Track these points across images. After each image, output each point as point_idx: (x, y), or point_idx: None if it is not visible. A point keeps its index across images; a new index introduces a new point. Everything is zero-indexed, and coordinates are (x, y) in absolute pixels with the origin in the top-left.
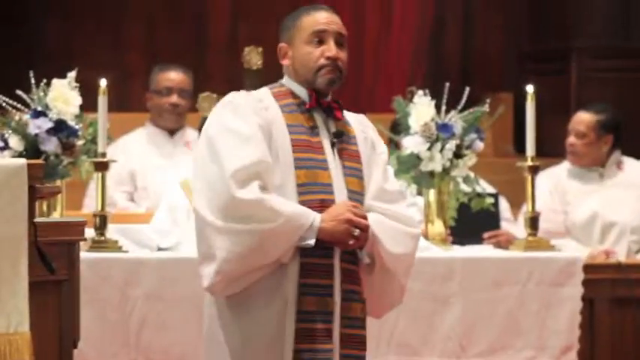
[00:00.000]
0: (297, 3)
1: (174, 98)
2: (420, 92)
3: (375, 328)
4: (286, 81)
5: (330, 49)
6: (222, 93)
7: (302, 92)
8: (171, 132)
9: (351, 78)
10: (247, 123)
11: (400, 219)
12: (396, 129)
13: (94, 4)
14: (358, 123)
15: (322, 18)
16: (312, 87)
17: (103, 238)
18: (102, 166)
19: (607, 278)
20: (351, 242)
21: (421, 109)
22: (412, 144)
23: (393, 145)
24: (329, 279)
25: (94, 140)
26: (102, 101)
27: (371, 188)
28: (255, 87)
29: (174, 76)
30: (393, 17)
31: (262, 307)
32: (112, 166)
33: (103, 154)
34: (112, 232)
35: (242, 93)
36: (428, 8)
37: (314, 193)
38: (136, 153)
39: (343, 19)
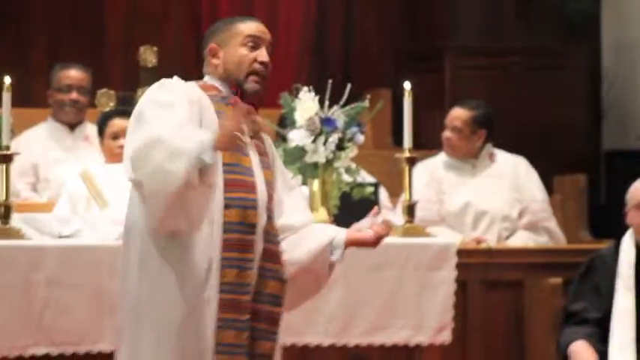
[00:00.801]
0: (192, 6)
1: (74, 95)
2: (305, 89)
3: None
4: (210, 79)
5: (263, 55)
6: (119, 90)
7: (226, 89)
8: (72, 126)
9: None
10: (175, 95)
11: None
12: (283, 123)
13: None
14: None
15: (257, 27)
16: (239, 87)
17: (7, 226)
18: (6, 159)
19: (479, 262)
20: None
21: (306, 104)
22: (298, 137)
23: (280, 139)
24: (249, 253)
25: None
26: (6, 97)
27: (279, 180)
28: (150, 84)
29: (73, 74)
30: (280, 17)
31: (190, 279)
32: (16, 159)
33: (7, 147)
34: (16, 220)
35: (173, 79)
36: (310, 8)
37: (237, 173)
38: (38, 146)
39: (233, 13)
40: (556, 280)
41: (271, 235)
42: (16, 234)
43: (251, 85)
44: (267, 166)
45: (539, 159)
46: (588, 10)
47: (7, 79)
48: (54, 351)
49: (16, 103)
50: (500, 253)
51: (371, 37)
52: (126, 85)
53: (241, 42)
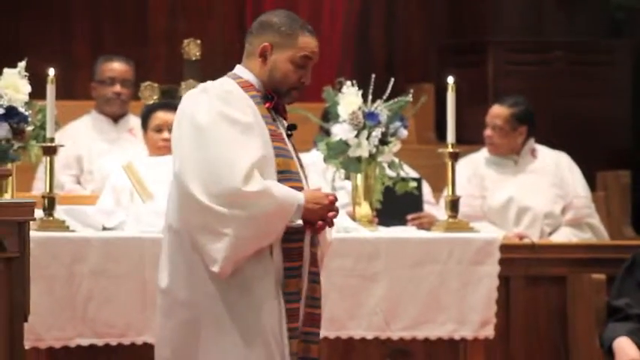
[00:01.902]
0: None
1: (117, 87)
2: (348, 83)
3: None
4: (245, 74)
5: (308, 77)
6: (162, 82)
7: (261, 88)
8: (115, 119)
9: None
10: (242, 111)
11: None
12: (326, 117)
13: None
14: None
15: (314, 45)
16: (277, 94)
17: (51, 218)
18: (50, 151)
19: (521, 258)
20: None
21: (349, 98)
22: (341, 131)
23: (324, 133)
24: (300, 261)
25: (42, 126)
26: (50, 89)
27: None
28: (194, 77)
29: (117, 67)
30: (323, 12)
31: (261, 293)
32: (60, 151)
33: (52, 139)
34: (60, 212)
35: (217, 83)
36: (354, 3)
37: (290, 181)
38: (82, 138)
39: (274, 9)
40: (599, 276)
41: (314, 239)
42: (60, 226)
43: (288, 98)
44: (300, 164)
45: (582, 155)
46: (631, 5)
47: (52, 72)
48: (99, 342)
49: (60, 95)
50: (543, 248)
51: (414, 32)
52: (169, 78)
53: (294, 58)
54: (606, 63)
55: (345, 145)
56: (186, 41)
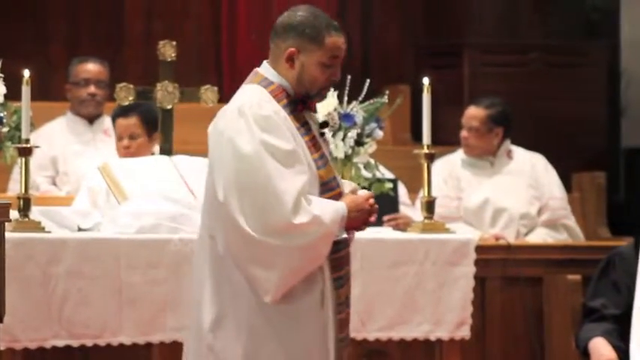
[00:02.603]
0: (211, 2)
1: (91, 88)
2: None
3: None
4: (276, 77)
5: (337, 74)
6: (138, 84)
7: (292, 92)
8: (91, 120)
9: None
10: (284, 138)
11: None
12: None
13: None
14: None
15: (341, 42)
16: (307, 97)
17: (26, 219)
18: (25, 152)
19: (497, 258)
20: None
21: (325, 100)
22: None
23: None
24: (348, 266)
25: (17, 127)
26: (25, 91)
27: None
28: (169, 78)
29: (91, 68)
30: None
31: (310, 306)
32: (35, 152)
33: (27, 141)
34: (35, 213)
35: (254, 104)
36: (330, 5)
37: (332, 190)
38: (58, 140)
39: (251, 13)
40: (575, 277)
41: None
42: (36, 227)
43: (319, 96)
44: (332, 160)
45: (558, 156)
46: (607, 6)
47: (27, 73)
48: (74, 343)
49: (35, 96)
50: (519, 249)
51: (390, 33)
52: (145, 80)
53: (322, 60)
54: (582, 64)
55: None
56: (161, 42)
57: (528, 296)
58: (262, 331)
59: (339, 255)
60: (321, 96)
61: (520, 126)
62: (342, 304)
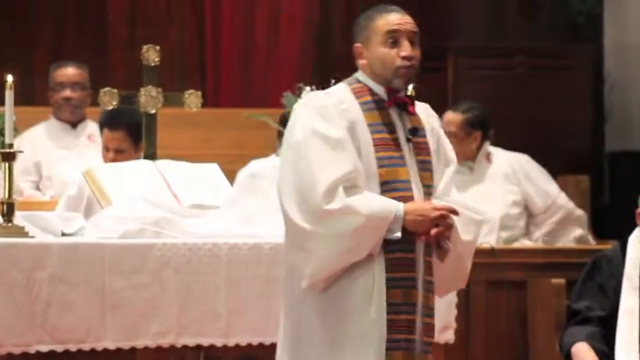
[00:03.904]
0: (195, 6)
1: (66, 92)
2: (308, 88)
3: (265, 308)
4: (363, 78)
5: (406, 48)
6: (122, 88)
7: (379, 90)
8: (73, 125)
9: (243, 74)
10: (335, 126)
11: (467, 207)
12: (285, 122)
13: (4, 3)
14: (425, 113)
15: (395, 19)
16: (389, 85)
17: (10, 224)
18: (9, 157)
19: (481, 262)
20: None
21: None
22: None
23: (283, 138)
24: (412, 271)
25: (1, 132)
26: (9, 95)
27: (441, 182)
28: (153, 83)
29: (67, 72)
30: (282, 17)
31: (355, 302)
32: (19, 157)
33: (11, 145)
34: (19, 218)
35: (321, 94)
36: (313, 7)
37: (395, 191)
38: (41, 145)
39: (234, 18)
40: (559, 281)
41: (429, 249)
42: (19, 232)
43: (399, 80)
44: (427, 169)
45: (542, 159)
46: (591, 10)
47: (10, 78)
48: (58, 348)
49: (19, 101)
50: (502, 253)
51: None
52: (129, 84)
53: (381, 40)
54: (567, 68)
55: None
56: (145, 47)
57: (512, 300)
58: (307, 318)
59: (394, 256)
60: (400, 79)
61: (504, 129)
62: (394, 306)
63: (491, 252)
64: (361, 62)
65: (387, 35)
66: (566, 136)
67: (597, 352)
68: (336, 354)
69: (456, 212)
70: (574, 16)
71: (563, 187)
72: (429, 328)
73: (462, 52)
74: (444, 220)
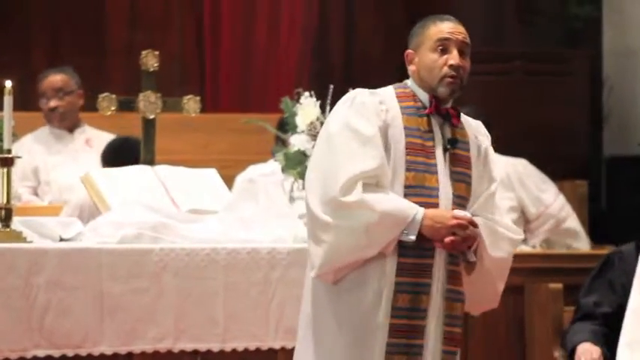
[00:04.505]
0: (194, 11)
1: (51, 102)
2: (306, 94)
3: (263, 313)
4: (411, 84)
5: (454, 57)
6: (120, 93)
7: (424, 97)
8: (71, 130)
9: (242, 80)
10: (369, 122)
11: (502, 225)
12: (284, 128)
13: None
14: (475, 130)
15: (447, 27)
16: (434, 93)
17: (8, 229)
18: (7, 162)
19: None
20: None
21: (307, 109)
22: (299, 142)
23: (281, 143)
24: (427, 278)
25: None
26: (7, 101)
27: (480, 198)
28: (152, 88)
29: (47, 81)
30: (281, 22)
31: (366, 302)
32: (17, 162)
33: (9, 151)
34: (17, 223)
35: (365, 91)
36: (312, 12)
37: (419, 196)
38: (39, 150)
39: (234, 23)
40: (556, 286)
41: (456, 258)
42: (18, 237)
43: (444, 88)
44: (462, 181)
45: (539, 164)
46: (589, 15)
47: (9, 83)
48: (55, 353)
49: (17, 106)
50: None
51: (372, 42)
52: (127, 90)
53: (431, 47)
54: (564, 73)
55: (303, 155)
56: (144, 52)
57: (510, 305)
58: (319, 306)
59: (407, 260)
60: (446, 88)
61: (502, 134)
62: (399, 310)
63: None
64: (411, 68)
65: (438, 42)
66: (564, 141)
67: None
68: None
69: (475, 224)
70: (572, 21)
71: (561, 192)
72: (454, 337)
73: None
74: (461, 230)
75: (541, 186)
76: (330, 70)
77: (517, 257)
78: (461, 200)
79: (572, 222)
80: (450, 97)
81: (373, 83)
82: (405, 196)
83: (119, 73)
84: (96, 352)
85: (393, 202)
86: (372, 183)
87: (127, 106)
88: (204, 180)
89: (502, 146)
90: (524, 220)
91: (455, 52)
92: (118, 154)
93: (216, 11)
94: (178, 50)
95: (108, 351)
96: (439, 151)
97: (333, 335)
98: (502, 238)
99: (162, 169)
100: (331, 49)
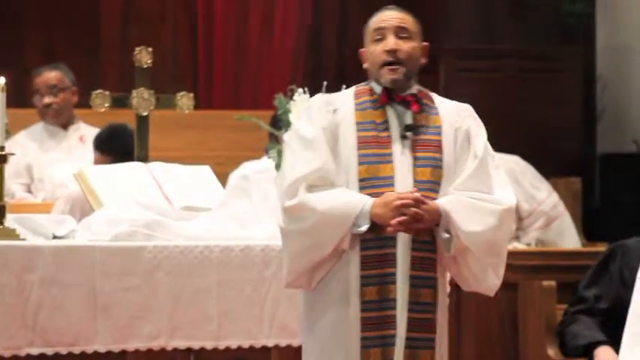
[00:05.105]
0: (188, 7)
1: (45, 99)
2: (300, 90)
3: (257, 311)
4: (370, 80)
5: (388, 42)
6: (114, 90)
7: (379, 89)
8: (65, 127)
9: (235, 77)
10: (312, 125)
11: (486, 199)
12: (277, 125)
13: None
14: (455, 113)
15: (382, 16)
16: (382, 83)
17: (1, 226)
18: (1, 159)
19: None
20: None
21: (301, 106)
22: None
23: (274, 140)
24: (392, 267)
25: None
26: (1, 98)
27: (457, 179)
28: (145, 84)
29: (41, 78)
30: (275, 19)
31: (334, 300)
32: (10, 159)
33: (2, 148)
34: (10, 221)
35: (318, 96)
36: (306, 10)
37: (374, 187)
38: (33, 147)
39: (227, 20)
40: (550, 283)
41: (422, 243)
42: (11, 234)
43: (384, 77)
44: (426, 165)
45: (533, 161)
46: (582, 12)
47: (2, 80)
48: (49, 350)
49: (11, 103)
50: None
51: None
52: (121, 86)
53: (371, 39)
54: (557, 69)
55: None
56: (137, 49)
57: (503, 302)
58: (304, 311)
59: (370, 252)
60: (386, 75)
61: (496, 131)
62: (369, 303)
63: None
64: (365, 66)
65: (375, 33)
66: (557, 138)
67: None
68: (310, 350)
69: (422, 202)
70: (565, 18)
71: (555, 189)
72: (419, 324)
73: (453, 55)
74: (408, 209)
75: (535, 183)
76: (323, 67)
77: (510, 254)
78: (430, 185)
79: (564, 221)
80: (397, 82)
81: (365, 79)
82: (361, 189)
83: (113, 69)
84: (89, 349)
85: (339, 197)
86: (320, 184)
87: (120, 102)
88: (198, 177)
89: (495, 144)
90: (517, 218)
91: (390, 38)
92: (111, 139)
93: (210, 8)
94: (172, 46)
95: (101, 349)
96: (397, 140)
97: (311, 336)
98: (481, 211)
99: (155, 166)
100: (325, 47)
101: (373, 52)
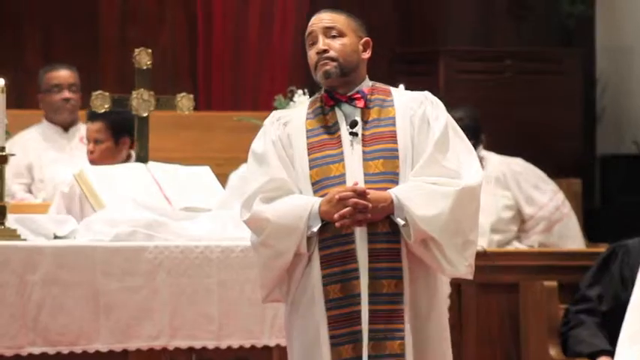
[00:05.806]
0: (187, 8)
1: (65, 93)
2: (300, 92)
3: (258, 311)
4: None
5: (317, 46)
6: (114, 91)
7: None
8: (66, 128)
9: (234, 78)
10: (263, 141)
11: (440, 182)
12: None
13: None
14: (410, 101)
15: (312, 20)
16: (325, 87)
17: (2, 227)
18: (1, 160)
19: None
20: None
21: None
22: None
23: None
24: (353, 263)
25: None
26: (1, 99)
27: (416, 165)
28: (145, 86)
29: (61, 74)
30: (274, 21)
31: (303, 302)
32: (11, 160)
33: (2, 148)
34: (11, 221)
35: (272, 113)
36: (304, 12)
37: (327, 187)
38: (33, 147)
39: (226, 21)
40: (551, 283)
41: (380, 235)
42: (12, 235)
43: (319, 76)
44: (378, 157)
45: (533, 163)
46: (582, 13)
47: (1, 81)
48: (50, 350)
49: (10, 104)
50: (494, 255)
51: None
52: (121, 87)
53: (307, 46)
54: (556, 72)
55: None
56: (137, 50)
57: (504, 302)
58: (285, 316)
59: (329, 251)
60: (321, 75)
61: (496, 133)
62: (331, 302)
63: (483, 254)
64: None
65: (308, 39)
66: (557, 139)
67: None
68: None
69: (363, 192)
70: (564, 20)
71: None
72: (383, 316)
73: (452, 56)
74: (349, 202)
75: (539, 185)
76: None
77: (512, 255)
78: (385, 176)
79: (568, 224)
80: (329, 81)
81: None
82: (315, 192)
83: (112, 70)
84: (91, 349)
85: (289, 203)
86: (277, 194)
87: (120, 104)
88: (198, 178)
89: (495, 145)
90: (520, 220)
91: (320, 40)
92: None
93: (209, 9)
94: (171, 47)
95: (103, 348)
96: (346, 139)
97: (290, 340)
98: (434, 195)
99: (155, 167)
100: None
101: (310, 57)
